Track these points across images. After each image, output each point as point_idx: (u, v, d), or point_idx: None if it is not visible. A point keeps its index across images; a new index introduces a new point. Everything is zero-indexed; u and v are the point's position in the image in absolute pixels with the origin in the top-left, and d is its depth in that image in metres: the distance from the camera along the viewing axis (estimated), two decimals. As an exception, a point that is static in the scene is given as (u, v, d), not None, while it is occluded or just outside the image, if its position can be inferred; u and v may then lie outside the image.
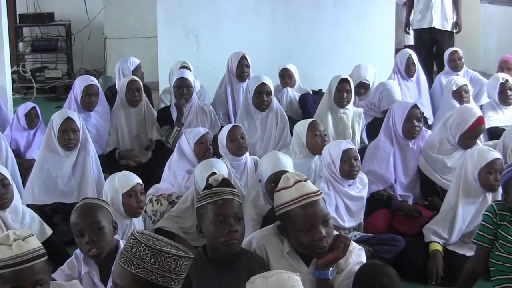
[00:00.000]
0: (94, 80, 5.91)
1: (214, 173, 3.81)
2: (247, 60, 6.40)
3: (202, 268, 2.85)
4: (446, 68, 7.01)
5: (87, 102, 5.71)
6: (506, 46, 8.94)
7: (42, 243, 2.51)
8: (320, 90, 6.92)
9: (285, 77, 6.69)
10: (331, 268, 2.86)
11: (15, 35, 9.46)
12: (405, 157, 4.76)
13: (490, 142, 5.06)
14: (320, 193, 2.90)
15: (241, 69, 6.38)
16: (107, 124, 5.83)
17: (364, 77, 6.37)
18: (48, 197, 4.71)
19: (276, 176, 3.51)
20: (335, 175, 4.19)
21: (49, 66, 9.72)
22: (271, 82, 5.69)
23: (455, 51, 6.93)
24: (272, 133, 5.60)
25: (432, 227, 4.06)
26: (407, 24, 8.30)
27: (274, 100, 5.70)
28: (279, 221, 2.95)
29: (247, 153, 4.77)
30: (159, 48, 7.91)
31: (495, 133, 5.32)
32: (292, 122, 5.56)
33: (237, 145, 4.63)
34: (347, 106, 5.49)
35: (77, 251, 3.15)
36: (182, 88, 5.83)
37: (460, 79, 6.25)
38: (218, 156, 4.83)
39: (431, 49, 8.10)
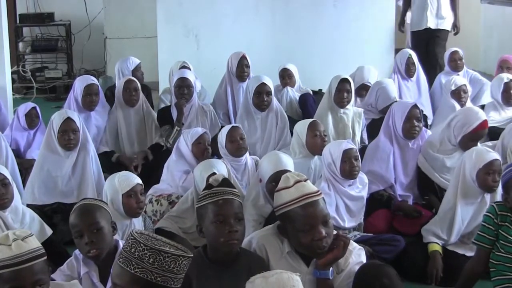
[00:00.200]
0: (94, 80, 5.92)
1: (214, 174, 3.81)
2: (247, 60, 6.40)
3: (202, 268, 2.85)
4: (447, 68, 7.00)
5: (88, 102, 5.70)
6: (506, 46, 8.93)
7: (42, 243, 2.51)
8: (320, 90, 6.92)
9: (285, 77, 6.68)
10: (331, 268, 2.86)
11: (15, 35, 9.46)
12: (405, 157, 4.76)
13: (490, 143, 5.06)
14: (320, 193, 2.90)
15: (241, 69, 6.38)
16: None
17: (367, 79, 6.38)
18: (48, 197, 4.71)
19: (277, 176, 3.51)
20: (335, 175, 4.19)
21: (49, 66, 9.72)
22: (271, 82, 5.69)
23: (456, 51, 6.92)
24: (272, 133, 5.60)
25: (431, 228, 4.05)
26: (402, 23, 8.27)
27: (274, 100, 5.70)
28: (279, 221, 2.96)
29: (247, 153, 4.77)
30: (159, 48, 7.91)
31: (493, 133, 5.32)
32: (292, 122, 5.56)
33: (236, 146, 4.63)
34: (347, 106, 5.49)
35: (77, 251, 3.14)
36: (183, 88, 5.83)
37: (459, 79, 6.25)
38: (219, 156, 4.83)
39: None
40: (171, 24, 7.93)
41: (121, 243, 3.10)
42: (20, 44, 9.68)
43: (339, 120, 5.47)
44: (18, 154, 5.53)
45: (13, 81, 8.29)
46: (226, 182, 2.92)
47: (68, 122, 4.73)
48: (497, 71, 6.89)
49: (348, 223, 4.21)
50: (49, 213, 4.59)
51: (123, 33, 9.75)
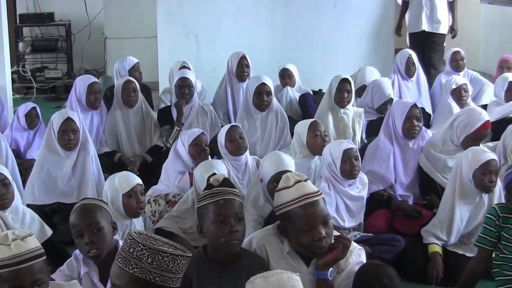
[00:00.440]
0: (96, 78, 5.94)
1: (214, 174, 3.80)
2: (247, 60, 6.40)
3: (202, 268, 2.85)
4: (448, 68, 7.00)
5: (93, 100, 5.70)
6: (506, 46, 8.92)
7: (42, 244, 2.51)
8: (320, 90, 6.92)
9: (285, 77, 6.68)
10: (330, 269, 2.86)
11: (15, 35, 9.46)
12: (405, 157, 4.75)
13: (491, 143, 5.05)
14: (320, 194, 2.89)
15: (241, 69, 6.38)
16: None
17: (369, 80, 6.36)
18: (48, 197, 4.71)
19: (279, 176, 3.49)
20: (335, 174, 4.18)
21: (49, 66, 9.72)
22: (271, 82, 5.69)
23: (458, 51, 6.92)
24: (272, 133, 5.60)
25: (430, 229, 4.05)
26: (399, 27, 8.23)
27: (274, 100, 5.70)
28: (279, 221, 2.95)
29: (247, 153, 4.76)
30: (159, 48, 7.91)
31: (504, 122, 5.31)
32: (292, 122, 5.56)
33: (236, 145, 4.63)
34: (348, 106, 5.49)
35: (77, 251, 3.14)
36: (184, 88, 5.83)
37: (460, 78, 6.25)
38: (219, 156, 4.83)
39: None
40: (171, 24, 7.93)
41: (121, 243, 3.10)
42: (20, 44, 9.68)
43: (339, 120, 5.47)
44: (18, 154, 5.53)
45: (13, 81, 8.29)
46: (226, 182, 2.92)
47: (68, 122, 4.73)
48: (497, 71, 6.90)
49: (348, 223, 4.21)
50: (49, 213, 4.59)
51: (123, 33, 9.75)
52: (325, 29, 8.15)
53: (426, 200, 4.69)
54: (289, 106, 6.37)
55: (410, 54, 6.72)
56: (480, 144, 4.60)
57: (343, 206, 4.21)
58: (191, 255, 2.20)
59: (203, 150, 4.73)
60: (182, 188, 4.59)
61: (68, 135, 4.72)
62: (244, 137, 4.71)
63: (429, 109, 6.58)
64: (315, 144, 4.59)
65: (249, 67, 6.41)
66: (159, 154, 5.57)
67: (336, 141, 4.61)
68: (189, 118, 5.83)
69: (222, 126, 5.14)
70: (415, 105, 4.77)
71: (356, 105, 5.84)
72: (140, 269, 2.12)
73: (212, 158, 4.83)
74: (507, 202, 3.40)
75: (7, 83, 6.86)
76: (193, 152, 4.72)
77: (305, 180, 2.92)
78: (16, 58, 9.35)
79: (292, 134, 5.12)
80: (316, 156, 4.59)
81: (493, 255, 3.43)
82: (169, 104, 6.29)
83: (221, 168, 4.09)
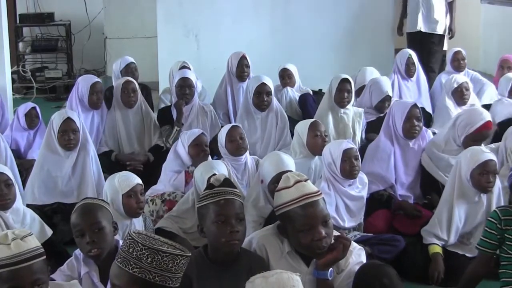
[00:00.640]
0: (98, 78, 5.95)
1: (215, 175, 3.80)
2: (247, 60, 6.40)
3: (202, 268, 2.86)
4: (449, 68, 6.99)
5: (95, 100, 5.70)
6: (506, 46, 8.91)
7: (42, 244, 2.50)
8: (320, 90, 6.92)
9: (285, 77, 6.68)
10: (330, 269, 2.86)
11: (15, 35, 9.45)
12: (405, 157, 4.75)
13: (493, 145, 5.03)
14: (320, 194, 2.89)
15: (241, 69, 6.38)
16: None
17: None
18: (48, 197, 4.71)
19: (280, 177, 3.49)
20: (335, 174, 4.18)
21: (49, 66, 9.71)
22: (271, 82, 5.69)
23: (459, 51, 6.92)
24: (272, 133, 5.60)
25: (430, 229, 4.04)
26: (400, 27, 8.23)
27: (274, 100, 5.70)
28: (279, 221, 2.95)
29: (247, 153, 4.76)
30: (159, 48, 7.92)
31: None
32: (292, 122, 5.56)
33: (236, 146, 4.63)
34: (348, 106, 5.49)
35: (77, 251, 3.14)
36: (185, 87, 5.83)
37: (460, 76, 6.23)
38: (219, 156, 4.83)
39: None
40: (171, 24, 7.93)
41: (121, 243, 3.10)
42: (20, 44, 9.68)
43: (339, 120, 5.47)
44: (19, 154, 5.53)
45: (13, 81, 8.28)
46: (227, 182, 2.92)
47: (68, 122, 4.73)
48: (498, 70, 6.90)
49: (348, 223, 4.21)
50: (49, 213, 4.59)
51: (123, 33, 9.76)
52: (325, 29, 8.15)
53: (427, 200, 4.68)
54: (289, 106, 6.37)
55: (410, 54, 6.72)
56: (482, 144, 4.60)
57: (343, 206, 4.21)
58: (190, 254, 2.21)
59: (202, 150, 4.73)
60: (177, 186, 4.59)
61: (68, 135, 4.72)
62: (244, 137, 4.71)
63: (429, 109, 6.58)
64: (315, 144, 4.58)
65: (249, 67, 6.41)
66: (159, 154, 5.57)
67: (336, 141, 4.61)
68: (189, 118, 5.83)
69: (222, 126, 5.14)
70: (415, 105, 4.77)
71: (356, 105, 5.84)
72: (139, 269, 2.12)
73: (212, 158, 4.84)
74: (510, 201, 3.39)
75: (7, 83, 6.85)
76: (193, 153, 4.72)
77: (305, 180, 2.92)
78: (16, 58, 9.34)
79: (292, 134, 5.12)
80: (316, 156, 4.59)
81: (499, 256, 3.41)
82: (169, 104, 6.29)
83: (221, 168, 4.09)
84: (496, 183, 3.96)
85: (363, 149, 4.97)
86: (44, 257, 2.44)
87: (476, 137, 4.53)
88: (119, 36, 9.77)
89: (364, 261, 2.99)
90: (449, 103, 5.93)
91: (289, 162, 4.03)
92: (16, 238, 2.39)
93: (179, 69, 6.44)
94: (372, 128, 5.58)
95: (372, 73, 6.47)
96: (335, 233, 2.92)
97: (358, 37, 8.19)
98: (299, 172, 3.22)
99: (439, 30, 7.77)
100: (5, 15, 6.91)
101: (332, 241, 2.86)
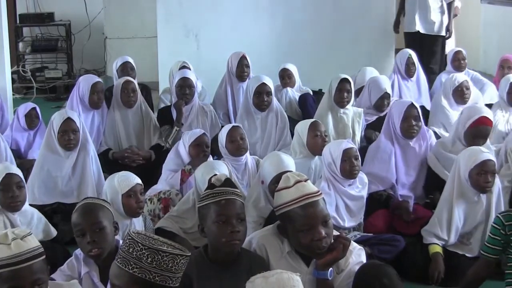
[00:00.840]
0: (99, 78, 5.95)
1: (216, 175, 3.80)
2: (247, 60, 6.40)
3: (203, 268, 2.86)
4: (449, 67, 6.99)
5: (96, 100, 5.70)
6: (506, 46, 8.92)
7: (41, 244, 2.51)
8: (320, 90, 6.91)
9: (285, 77, 6.68)
10: (330, 269, 2.86)
11: (15, 35, 9.44)
12: (406, 157, 4.75)
13: (494, 146, 5.02)
14: (320, 194, 2.89)
15: (241, 69, 6.38)
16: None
17: None
18: (48, 197, 4.71)
19: (280, 177, 3.50)
20: (335, 174, 4.18)
21: (49, 66, 9.70)
22: (271, 82, 5.69)
23: (459, 51, 6.91)
24: (272, 133, 5.60)
25: (430, 229, 4.04)
26: (397, 24, 8.21)
27: (274, 100, 5.70)
28: (279, 221, 2.96)
29: (248, 153, 4.77)
30: (159, 48, 7.91)
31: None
32: (292, 122, 5.56)
33: (236, 146, 4.63)
34: (347, 106, 5.50)
35: (77, 251, 3.14)
36: (185, 87, 5.83)
37: (461, 75, 6.18)
38: (219, 156, 4.83)
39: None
40: (171, 24, 7.93)
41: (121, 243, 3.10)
42: (20, 44, 9.67)
43: (339, 120, 5.47)
44: (19, 154, 5.53)
45: (13, 81, 8.28)
46: (228, 182, 2.93)
47: (68, 122, 4.74)
48: (498, 70, 6.90)
49: (348, 223, 4.21)
50: (49, 213, 4.58)
51: (123, 33, 9.76)
52: (325, 29, 8.15)
53: (429, 199, 4.68)
54: (289, 106, 6.37)
55: (410, 54, 6.72)
56: (488, 142, 4.58)
57: (343, 206, 4.21)
58: (190, 254, 2.21)
59: (203, 151, 4.73)
60: (172, 185, 4.59)
61: (68, 135, 4.72)
62: (245, 138, 4.71)
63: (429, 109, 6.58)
64: (315, 144, 4.59)
65: (249, 67, 6.41)
66: (159, 154, 5.57)
67: (336, 141, 4.60)
68: (189, 118, 5.83)
69: (222, 126, 5.14)
70: (412, 105, 4.76)
71: (355, 105, 5.85)
72: (139, 269, 2.12)
73: (212, 158, 4.84)
74: (510, 201, 3.38)
75: (7, 83, 6.85)
76: (193, 153, 4.72)
77: (305, 180, 2.92)
78: (16, 58, 9.34)
79: (292, 134, 5.12)
80: (316, 156, 4.59)
81: (505, 258, 3.39)
82: (169, 104, 6.28)
83: (222, 169, 4.09)
84: (496, 183, 3.96)
85: (363, 149, 4.97)
86: (44, 256, 2.44)
87: (473, 132, 4.53)
88: (119, 36, 9.77)
89: (364, 261, 2.99)
90: (445, 102, 5.90)
91: (289, 162, 4.03)
92: (16, 238, 2.39)
93: (179, 69, 6.44)
94: (372, 129, 5.59)
95: (372, 73, 6.47)
96: (335, 233, 2.92)
97: (358, 37, 8.18)
98: (299, 172, 3.22)
99: (437, 31, 7.75)
100: (5, 15, 6.91)
101: (332, 241, 2.87)
